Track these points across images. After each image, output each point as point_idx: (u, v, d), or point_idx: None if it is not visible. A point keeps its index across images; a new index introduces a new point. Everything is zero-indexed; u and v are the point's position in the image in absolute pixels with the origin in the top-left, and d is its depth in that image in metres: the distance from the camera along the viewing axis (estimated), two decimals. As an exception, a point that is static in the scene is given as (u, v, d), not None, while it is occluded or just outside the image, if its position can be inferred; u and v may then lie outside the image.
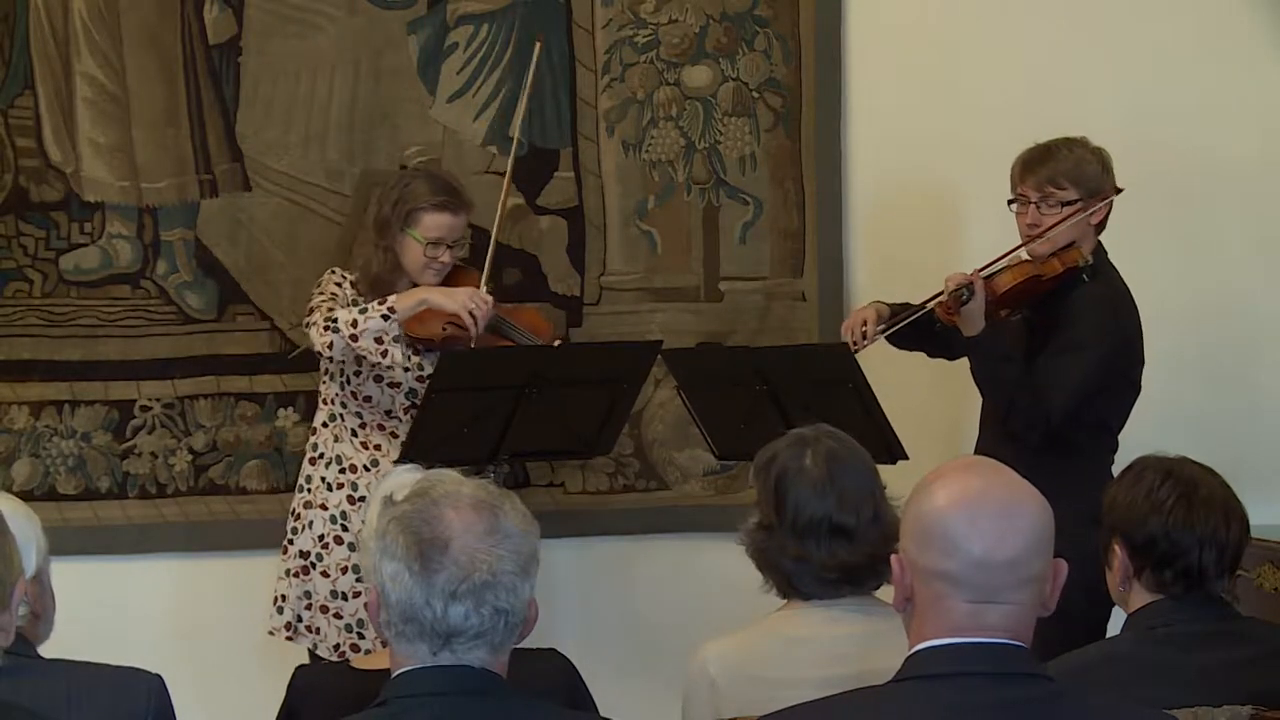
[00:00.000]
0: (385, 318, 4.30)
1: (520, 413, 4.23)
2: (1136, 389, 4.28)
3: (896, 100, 4.94)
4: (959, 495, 2.28)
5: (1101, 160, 4.26)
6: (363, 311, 4.32)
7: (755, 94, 4.96)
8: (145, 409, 4.91)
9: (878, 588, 2.99)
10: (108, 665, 2.83)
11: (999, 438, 4.16)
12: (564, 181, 4.96)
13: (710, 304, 4.99)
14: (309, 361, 4.63)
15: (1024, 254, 4.25)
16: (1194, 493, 2.95)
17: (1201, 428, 4.79)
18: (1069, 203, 4.21)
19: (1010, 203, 4.29)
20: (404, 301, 4.34)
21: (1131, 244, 4.98)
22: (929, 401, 4.74)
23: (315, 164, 4.90)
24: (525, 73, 4.69)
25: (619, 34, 4.93)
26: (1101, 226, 4.27)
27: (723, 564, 4.72)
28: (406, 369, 4.47)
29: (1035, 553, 2.27)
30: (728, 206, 4.98)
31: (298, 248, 4.88)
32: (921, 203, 4.99)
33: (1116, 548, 2.99)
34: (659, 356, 4.54)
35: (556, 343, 4.53)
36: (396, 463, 4.19)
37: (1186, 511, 2.93)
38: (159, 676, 2.85)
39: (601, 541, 5.02)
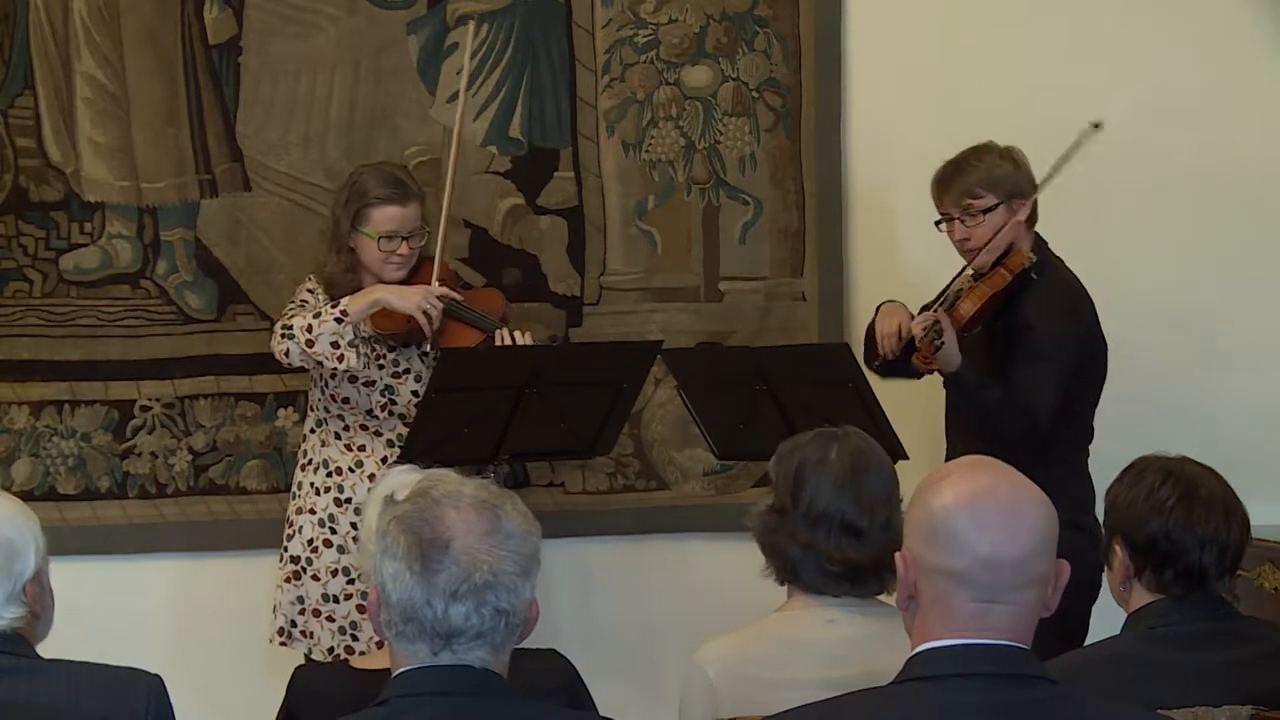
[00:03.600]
0: (339, 320, 4.30)
1: (520, 413, 4.23)
2: (1104, 372, 4.31)
3: (896, 100, 4.94)
4: (966, 494, 2.28)
5: (1013, 159, 4.30)
6: (316, 316, 4.32)
7: (755, 94, 4.96)
8: (145, 409, 4.91)
9: (879, 593, 2.98)
10: (107, 665, 2.83)
11: (972, 445, 4.12)
12: (564, 181, 4.96)
13: (710, 304, 4.99)
14: (308, 362, 4.63)
15: (969, 273, 4.25)
16: (1194, 493, 2.95)
17: (1202, 427, 4.79)
18: (989, 209, 4.25)
19: (938, 224, 4.34)
20: (356, 303, 4.33)
21: (1132, 243, 4.99)
22: (906, 400, 4.72)
23: (315, 164, 4.90)
24: (524, 71, 4.69)
25: (619, 34, 4.93)
26: (1033, 221, 4.30)
27: (723, 564, 4.76)
28: (381, 365, 4.46)
29: (1040, 553, 2.27)
30: (728, 206, 4.98)
31: (298, 248, 4.88)
32: (922, 203, 4.98)
33: (1117, 548, 2.99)
34: (659, 356, 4.54)
35: (542, 338, 4.52)
36: (396, 463, 4.18)
37: (1187, 512, 2.93)
38: (158, 676, 2.85)
39: (601, 541, 5.02)
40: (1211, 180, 4.99)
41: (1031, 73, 4.94)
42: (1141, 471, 3.01)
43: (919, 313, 4.31)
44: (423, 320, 4.33)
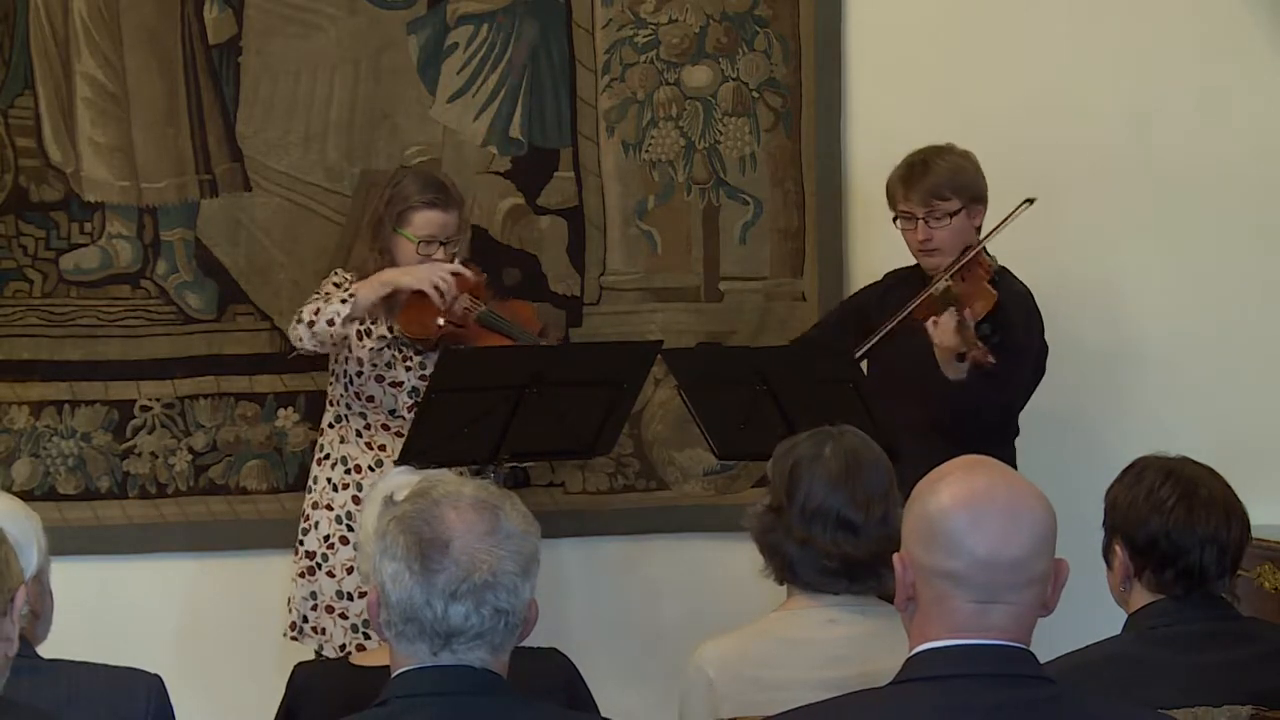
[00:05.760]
0: (344, 302, 4.33)
1: (520, 413, 4.23)
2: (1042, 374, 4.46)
3: (896, 100, 4.94)
4: (963, 495, 2.28)
5: (974, 163, 4.36)
6: (327, 300, 4.35)
7: (755, 94, 4.96)
8: (145, 409, 4.91)
9: (877, 590, 2.98)
10: (107, 665, 2.84)
11: (916, 435, 4.10)
12: (564, 181, 4.96)
13: (710, 304, 4.99)
14: (309, 361, 4.64)
15: (946, 281, 4.26)
16: (1195, 493, 2.95)
17: (1202, 427, 4.78)
18: (954, 212, 4.30)
19: (895, 220, 4.38)
20: (366, 287, 4.37)
21: (1131, 243, 4.98)
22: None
23: (315, 164, 4.90)
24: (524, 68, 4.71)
25: (619, 34, 4.93)
26: (979, 229, 4.37)
27: (723, 564, 4.76)
28: (409, 367, 4.48)
29: (1038, 553, 2.28)
30: (728, 206, 4.98)
31: (298, 248, 4.88)
32: (921, 203, 4.98)
33: (1117, 548, 2.99)
34: (659, 356, 4.54)
35: (547, 341, 4.55)
36: (397, 463, 4.19)
37: (1187, 512, 2.93)
38: (158, 676, 2.86)
39: (601, 541, 5.02)
40: (1211, 180, 4.99)
41: (1031, 72, 4.94)
42: (1141, 471, 3.02)
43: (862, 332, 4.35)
44: (433, 294, 4.34)
